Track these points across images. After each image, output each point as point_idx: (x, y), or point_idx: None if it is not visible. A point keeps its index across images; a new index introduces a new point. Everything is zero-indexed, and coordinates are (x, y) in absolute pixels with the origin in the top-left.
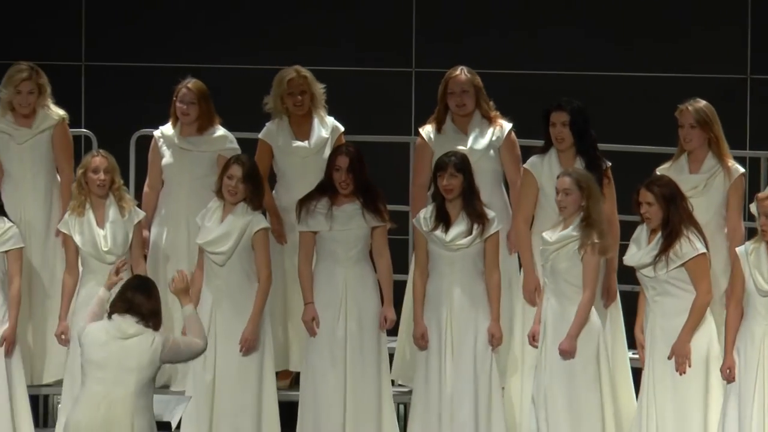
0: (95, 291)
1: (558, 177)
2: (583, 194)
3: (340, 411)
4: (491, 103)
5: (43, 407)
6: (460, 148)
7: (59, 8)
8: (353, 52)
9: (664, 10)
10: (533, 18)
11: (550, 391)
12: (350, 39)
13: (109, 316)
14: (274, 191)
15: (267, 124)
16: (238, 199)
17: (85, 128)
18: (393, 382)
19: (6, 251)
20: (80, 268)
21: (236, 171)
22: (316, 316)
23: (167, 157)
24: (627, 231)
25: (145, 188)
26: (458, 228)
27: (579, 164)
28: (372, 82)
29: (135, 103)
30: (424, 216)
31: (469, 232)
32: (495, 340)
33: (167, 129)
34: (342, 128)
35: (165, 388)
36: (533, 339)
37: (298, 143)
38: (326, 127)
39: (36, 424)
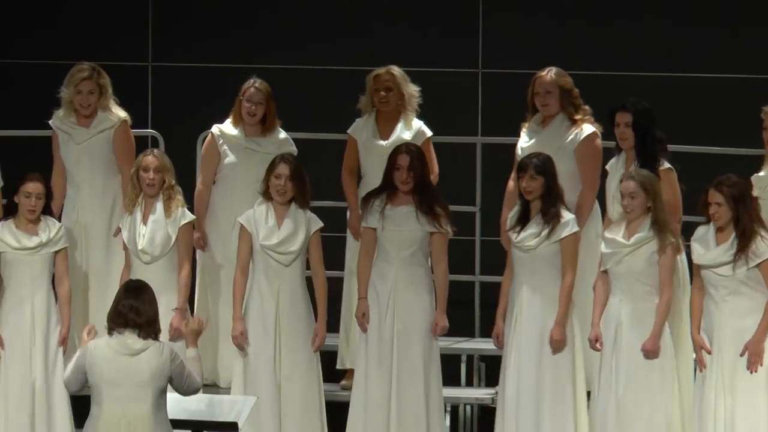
0: None
1: (621, 181)
2: (649, 196)
3: (385, 412)
4: (586, 107)
5: None
6: (527, 145)
7: (126, 9)
8: (420, 53)
9: None
10: (601, 16)
11: (627, 392)
12: (417, 40)
13: (109, 332)
14: (359, 186)
15: (357, 119)
16: (286, 198)
17: (151, 129)
18: None
19: (57, 251)
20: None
21: (283, 170)
22: (367, 312)
23: (230, 157)
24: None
25: (199, 185)
26: (531, 229)
27: (635, 164)
28: (439, 83)
29: (201, 103)
30: (510, 215)
31: (539, 234)
32: (554, 343)
33: (227, 128)
34: (429, 133)
35: (213, 386)
36: (596, 342)
37: (379, 141)
38: (410, 129)
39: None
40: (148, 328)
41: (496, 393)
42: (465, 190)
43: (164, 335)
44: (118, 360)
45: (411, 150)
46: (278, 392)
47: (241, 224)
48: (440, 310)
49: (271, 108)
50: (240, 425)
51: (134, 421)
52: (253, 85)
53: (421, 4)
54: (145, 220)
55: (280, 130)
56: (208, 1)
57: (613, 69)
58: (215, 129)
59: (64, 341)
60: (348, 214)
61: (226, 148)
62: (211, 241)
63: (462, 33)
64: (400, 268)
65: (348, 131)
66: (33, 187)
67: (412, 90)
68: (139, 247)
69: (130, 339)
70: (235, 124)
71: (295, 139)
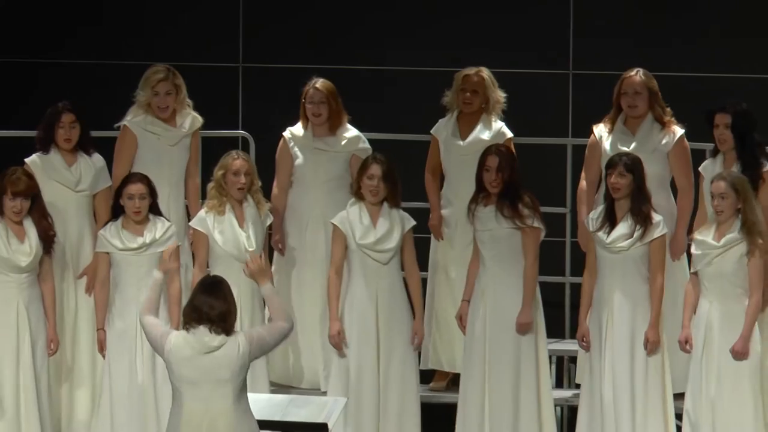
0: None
1: (712, 181)
2: (739, 197)
3: (480, 412)
4: (668, 108)
5: None
6: (624, 149)
7: (218, 10)
8: (510, 53)
9: None
10: (695, 21)
11: (719, 394)
12: (507, 40)
13: (185, 328)
14: (442, 189)
15: (440, 120)
16: (379, 198)
17: (242, 130)
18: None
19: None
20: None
21: (376, 170)
22: (465, 314)
23: (300, 158)
24: None
25: (274, 190)
26: (621, 230)
27: (737, 167)
28: (529, 84)
29: (291, 104)
30: (592, 216)
31: (631, 235)
32: (650, 345)
33: (297, 130)
34: (510, 134)
35: (315, 390)
36: (685, 343)
37: (457, 141)
38: (490, 129)
39: None
40: (221, 323)
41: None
42: (555, 191)
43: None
44: (196, 359)
45: (500, 151)
46: (377, 391)
47: (335, 225)
48: (524, 306)
49: (333, 106)
50: (330, 426)
51: (217, 416)
52: (313, 85)
53: (512, 5)
54: (241, 223)
55: (349, 127)
56: (298, 2)
57: (703, 70)
58: (287, 132)
59: None
60: (430, 214)
61: (297, 150)
62: (288, 242)
63: (553, 34)
64: (491, 267)
65: (431, 131)
66: (135, 188)
67: (499, 95)
68: (250, 249)
69: (206, 336)
70: (304, 125)
71: (377, 140)
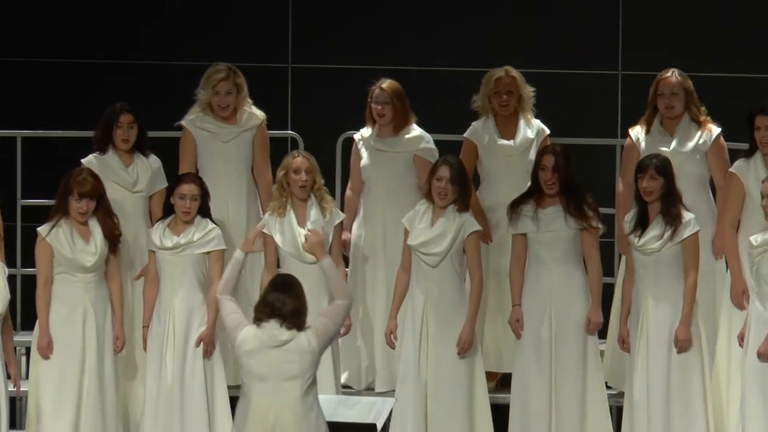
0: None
1: (763, 181)
2: None
3: (547, 414)
4: (703, 107)
5: None
6: (664, 149)
7: (267, 10)
8: (560, 54)
9: None
10: (734, 20)
11: (744, 391)
12: (557, 41)
13: (256, 323)
14: (478, 191)
15: (473, 123)
16: (448, 201)
17: (291, 130)
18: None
19: (208, 252)
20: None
21: (445, 172)
22: (521, 318)
23: (365, 159)
24: None
25: (347, 191)
26: (652, 232)
27: None
28: (579, 85)
29: (341, 104)
30: (627, 219)
31: (662, 236)
32: (680, 343)
33: (366, 131)
34: (547, 131)
35: (369, 390)
36: (741, 340)
37: (504, 142)
38: (532, 128)
39: None
40: (293, 319)
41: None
42: (604, 191)
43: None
44: (266, 353)
45: (556, 151)
46: (425, 393)
47: (405, 226)
48: (594, 306)
49: (398, 107)
50: (379, 427)
51: (284, 408)
52: (379, 86)
53: (561, 6)
54: (301, 223)
55: (414, 127)
56: (347, 2)
57: (747, 71)
58: (357, 134)
59: (204, 342)
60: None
61: (363, 151)
62: (356, 241)
63: (602, 35)
64: (553, 269)
65: (465, 135)
66: (187, 188)
67: (529, 92)
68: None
69: (276, 330)
70: (370, 126)
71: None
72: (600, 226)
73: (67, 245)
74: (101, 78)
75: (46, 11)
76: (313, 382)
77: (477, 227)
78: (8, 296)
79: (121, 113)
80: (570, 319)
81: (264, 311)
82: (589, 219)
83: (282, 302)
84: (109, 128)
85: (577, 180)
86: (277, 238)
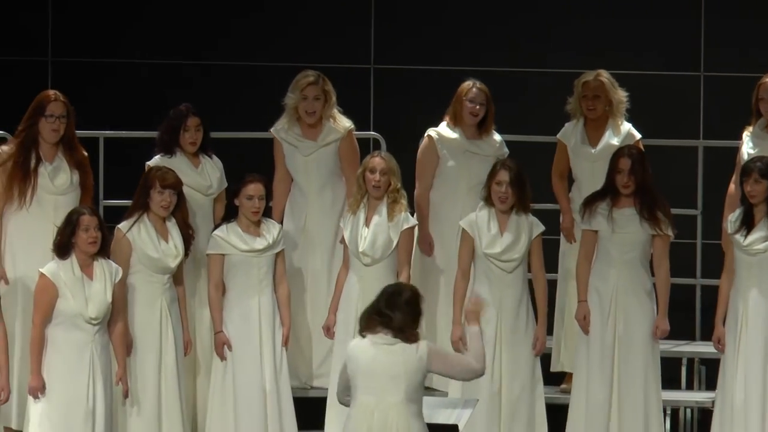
0: (353, 291)
1: None
2: None
3: (606, 415)
4: None
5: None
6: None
7: (350, 13)
8: (642, 56)
9: None
10: None
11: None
12: (639, 43)
13: (361, 334)
14: (570, 192)
15: (566, 124)
16: (508, 205)
17: (373, 131)
18: None
19: (278, 252)
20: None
21: (504, 176)
22: (588, 315)
23: (450, 160)
24: None
25: (418, 190)
26: (758, 233)
27: None
28: (661, 86)
29: (423, 105)
30: (731, 219)
31: (767, 238)
32: None
33: (445, 131)
34: (638, 136)
35: (428, 390)
36: None
37: (587, 147)
38: (618, 135)
39: (305, 427)
40: (401, 334)
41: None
42: (686, 193)
43: None
44: (375, 351)
45: (633, 153)
46: (498, 399)
47: (463, 228)
48: (661, 313)
49: (491, 109)
50: (461, 428)
51: (388, 409)
52: (475, 85)
53: (645, 9)
54: (367, 222)
55: (493, 132)
56: (429, 4)
57: None
58: (433, 133)
59: (286, 342)
60: (561, 217)
61: (446, 151)
62: (435, 243)
63: (684, 36)
64: (622, 270)
65: (557, 136)
66: (254, 189)
67: (621, 96)
68: (360, 249)
69: (385, 336)
70: (454, 125)
71: (506, 142)
72: (671, 233)
73: (151, 244)
74: (180, 78)
75: (128, 12)
76: (419, 390)
77: (542, 228)
78: (106, 301)
79: (188, 116)
80: (636, 323)
81: (369, 326)
82: (662, 225)
83: (388, 318)
84: (175, 131)
85: (655, 183)
86: (345, 235)
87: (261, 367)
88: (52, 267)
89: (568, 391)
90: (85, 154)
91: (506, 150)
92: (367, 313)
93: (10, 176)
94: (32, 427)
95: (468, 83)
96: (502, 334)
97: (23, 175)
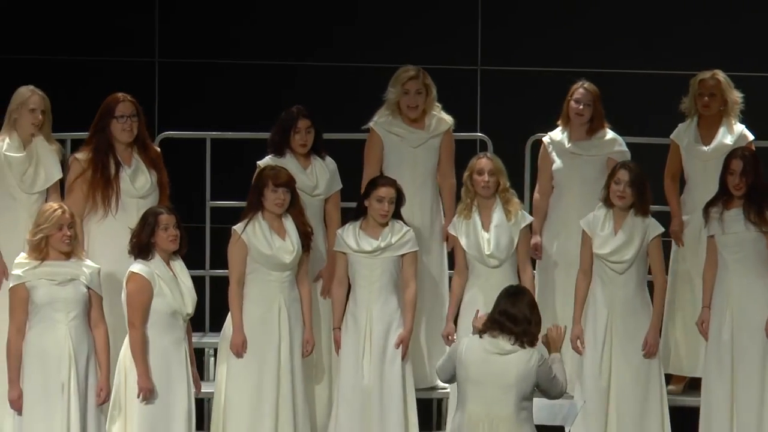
0: (478, 297)
1: None
2: None
3: (728, 417)
4: None
5: (436, 410)
6: None
7: (456, 14)
8: (745, 56)
9: None
10: None
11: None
12: (745, 43)
13: (481, 335)
14: (682, 195)
15: (679, 124)
16: (626, 204)
17: (480, 132)
18: None
19: (403, 255)
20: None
21: (624, 176)
22: (707, 320)
23: (557, 163)
24: None
25: (535, 194)
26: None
27: None
28: (765, 87)
29: (530, 107)
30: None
31: None
32: None
33: (556, 134)
34: (751, 137)
35: (431, 389)
36: None
37: (700, 146)
38: (732, 134)
39: (426, 428)
40: (524, 337)
41: None
42: None
43: None
44: (486, 359)
45: (745, 155)
46: (606, 398)
47: (583, 228)
48: None
49: (598, 109)
50: (567, 430)
51: (497, 420)
52: (582, 85)
53: (748, 9)
54: (485, 225)
55: (608, 131)
56: (537, 5)
57: None
58: (546, 137)
59: (404, 344)
60: (671, 220)
61: (554, 154)
62: (547, 246)
63: None
64: (735, 271)
65: (671, 136)
66: (385, 191)
67: (736, 96)
68: (487, 252)
69: (503, 342)
70: (563, 127)
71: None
72: None
73: (265, 241)
74: (286, 79)
75: (235, 13)
76: (529, 398)
77: (661, 230)
78: (195, 297)
79: (299, 118)
80: (750, 323)
81: (493, 327)
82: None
83: (513, 320)
84: (286, 132)
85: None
86: (462, 241)
87: (362, 367)
88: (142, 267)
89: (674, 393)
90: (158, 150)
91: (620, 148)
92: (490, 316)
93: (91, 184)
94: (137, 428)
95: (577, 84)
96: (613, 334)
97: (105, 182)
